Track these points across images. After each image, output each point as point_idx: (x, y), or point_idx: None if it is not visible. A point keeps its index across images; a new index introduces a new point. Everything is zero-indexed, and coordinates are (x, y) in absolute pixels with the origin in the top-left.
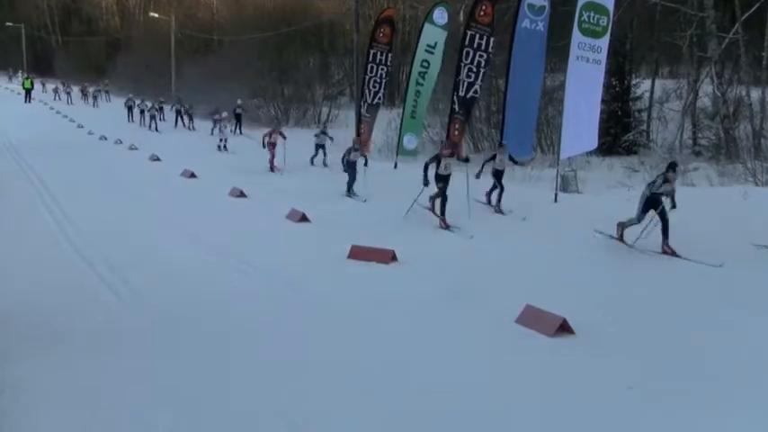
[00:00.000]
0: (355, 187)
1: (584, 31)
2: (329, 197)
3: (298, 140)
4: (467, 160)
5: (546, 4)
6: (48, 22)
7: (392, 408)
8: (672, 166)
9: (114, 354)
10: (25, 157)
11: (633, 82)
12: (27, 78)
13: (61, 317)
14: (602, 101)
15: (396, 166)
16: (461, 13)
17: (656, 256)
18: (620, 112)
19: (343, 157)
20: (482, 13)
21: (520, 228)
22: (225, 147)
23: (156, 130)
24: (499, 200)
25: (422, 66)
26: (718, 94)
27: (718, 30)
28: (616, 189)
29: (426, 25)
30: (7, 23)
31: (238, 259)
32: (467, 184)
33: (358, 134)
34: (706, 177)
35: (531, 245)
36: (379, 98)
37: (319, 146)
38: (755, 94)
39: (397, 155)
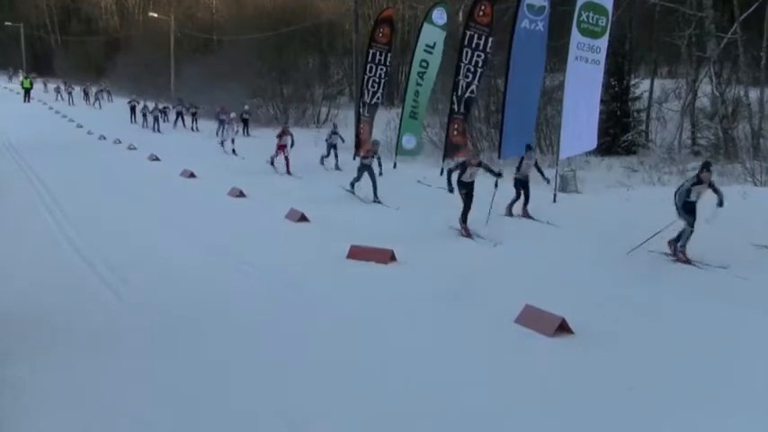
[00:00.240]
0: (364, 190)
1: (584, 32)
2: (347, 202)
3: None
4: (499, 175)
5: (546, 4)
6: (47, 21)
7: (392, 408)
8: (706, 166)
9: (114, 353)
10: (24, 157)
11: (632, 82)
12: (26, 78)
13: (61, 316)
14: (602, 101)
15: (395, 166)
16: (460, 14)
17: (654, 255)
18: (619, 112)
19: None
20: (481, 13)
21: (518, 228)
22: (233, 150)
23: (159, 131)
24: (525, 206)
25: (421, 66)
26: (717, 94)
27: (716, 30)
28: (615, 189)
29: (425, 25)
30: (6, 23)
31: (238, 259)
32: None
33: (357, 134)
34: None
35: (529, 245)
36: (378, 98)
37: (331, 146)
38: (754, 94)
39: (396, 155)
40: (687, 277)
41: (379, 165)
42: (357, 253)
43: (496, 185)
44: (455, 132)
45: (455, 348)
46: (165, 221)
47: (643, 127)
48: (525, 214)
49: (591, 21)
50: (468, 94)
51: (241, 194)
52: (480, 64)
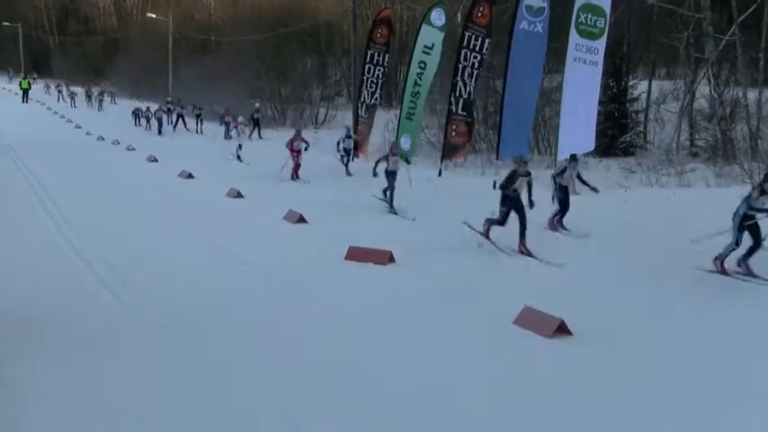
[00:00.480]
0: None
1: (582, 33)
2: (370, 212)
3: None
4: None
5: (545, 5)
6: (45, 21)
7: (392, 408)
8: None
9: (114, 353)
10: (22, 158)
11: (630, 83)
12: (24, 78)
13: (60, 317)
14: (600, 102)
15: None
16: (459, 15)
17: (653, 256)
18: (617, 114)
19: (376, 163)
20: (480, 14)
21: (515, 228)
22: (239, 157)
23: (161, 133)
24: (561, 218)
25: (419, 67)
26: (715, 95)
27: (714, 31)
28: (613, 190)
29: (423, 26)
30: (4, 23)
31: (238, 259)
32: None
33: (355, 133)
34: (703, 178)
35: (527, 245)
36: (376, 99)
37: (347, 150)
38: (752, 95)
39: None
40: (685, 277)
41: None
42: (355, 254)
43: (532, 205)
44: (453, 133)
45: (454, 349)
46: (165, 222)
47: (641, 128)
48: (559, 226)
49: (589, 22)
50: (467, 96)
51: (239, 195)
52: (477, 65)
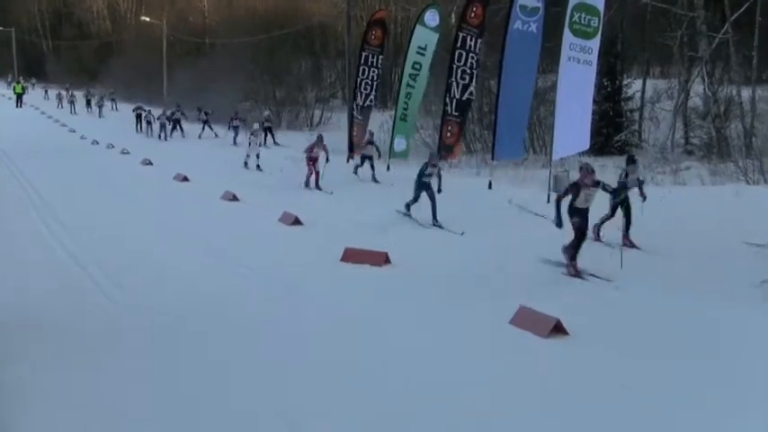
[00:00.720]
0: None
1: (576, 32)
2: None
3: (291, 143)
4: (643, 196)
5: (539, 5)
6: (38, 26)
7: (391, 407)
8: None
9: (112, 354)
10: (16, 162)
11: (624, 82)
12: (18, 83)
13: (58, 319)
14: (594, 101)
15: (388, 169)
16: (453, 15)
17: (648, 254)
18: (611, 113)
19: (419, 176)
20: (473, 14)
21: (513, 227)
22: (258, 166)
23: (166, 138)
24: (627, 229)
25: (413, 68)
26: (709, 93)
27: (708, 30)
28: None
29: (418, 27)
30: None
31: (235, 262)
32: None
33: (350, 136)
34: (698, 176)
35: (523, 244)
36: (371, 100)
37: (366, 157)
38: (746, 93)
39: (389, 157)
40: (682, 276)
41: (439, 180)
42: (351, 255)
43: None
44: (448, 134)
45: (451, 349)
46: (161, 225)
47: (636, 127)
48: (627, 241)
49: (583, 21)
50: (465, 96)
51: (234, 198)
52: (474, 66)
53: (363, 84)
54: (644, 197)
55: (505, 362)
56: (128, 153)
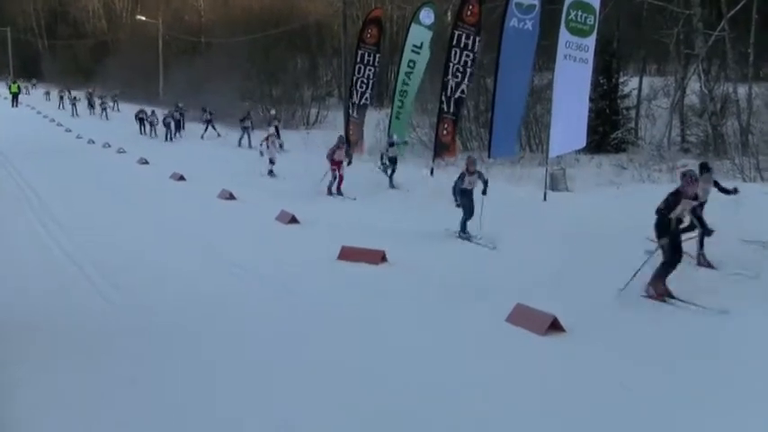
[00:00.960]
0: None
1: (572, 30)
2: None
3: (290, 142)
4: (735, 192)
5: (535, 2)
6: (34, 25)
7: (391, 407)
8: None
9: (111, 355)
10: (14, 162)
11: (621, 80)
12: (14, 83)
13: (54, 320)
14: (590, 99)
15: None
16: (449, 13)
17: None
18: (608, 110)
19: (455, 185)
20: (469, 12)
21: (510, 226)
22: (271, 171)
23: (171, 139)
24: (701, 244)
25: (408, 66)
26: (706, 91)
27: (704, 27)
28: (605, 187)
29: (413, 25)
30: None
31: (231, 262)
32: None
33: (347, 135)
34: None
35: (521, 243)
36: (367, 99)
37: (391, 159)
38: (742, 90)
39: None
40: (679, 274)
41: (485, 186)
42: (348, 254)
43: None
44: (444, 132)
45: (447, 348)
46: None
47: (632, 125)
48: (702, 260)
49: (579, 19)
50: (459, 94)
51: (231, 197)
52: (469, 64)
53: (359, 82)
54: (734, 191)
55: (502, 360)
56: (123, 152)
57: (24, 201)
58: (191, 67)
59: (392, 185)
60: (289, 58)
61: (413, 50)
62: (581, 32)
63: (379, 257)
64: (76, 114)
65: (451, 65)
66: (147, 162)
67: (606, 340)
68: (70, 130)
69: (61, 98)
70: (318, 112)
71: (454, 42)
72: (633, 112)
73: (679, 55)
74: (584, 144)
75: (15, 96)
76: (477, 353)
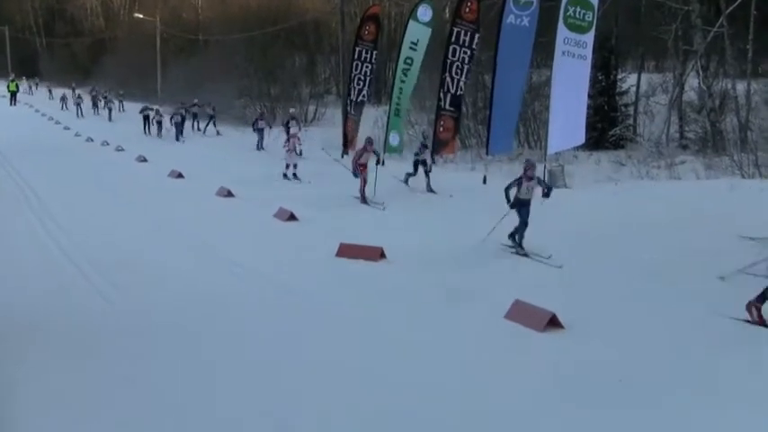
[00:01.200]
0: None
1: (570, 27)
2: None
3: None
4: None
5: None
6: (32, 23)
7: (388, 406)
8: None
9: (109, 355)
10: (12, 161)
11: (619, 76)
12: (12, 81)
13: (52, 320)
14: (589, 96)
15: (383, 164)
16: (447, 10)
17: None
18: (606, 107)
19: (508, 187)
20: (467, 9)
21: (507, 223)
22: (294, 175)
23: (179, 139)
24: None
25: (405, 63)
26: (704, 87)
27: (703, 23)
28: (604, 183)
29: (411, 22)
30: None
31: (230, 260)
32: None
33: (344, 132)
34: (693, 170)
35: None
36: (364, 96)
37: (420, 162)
38: (741, 86)
39: (384, 152)
40: (678, 271)
41: (547, 189)
42: (346, 251)
43: None
44: (441, 129)
45: (446, 345)
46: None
47: (631, 121)
48: None
49: (577, 16)
50: (458, 91)
51: (229, 194)
52: (467, 60)
53: (357, 79)
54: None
55: (501, 357)
56: (121, 150)
57: (23, 201)
58: (189, 65)
59: (430, 189)
60: (286, 56)
61: (410, 47)
62: (579, 29)
63: (377, 254)
64: (81, 115)
65: (449, 62)
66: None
67: (605, 337)
68: (69, 128)
69: (63, 98)
70: (316, 110)
71: (453, 39)
72: (632, 109)
73: (677, 51)
74: (583, 141)
75: (14, 95)
76: (476, 350)
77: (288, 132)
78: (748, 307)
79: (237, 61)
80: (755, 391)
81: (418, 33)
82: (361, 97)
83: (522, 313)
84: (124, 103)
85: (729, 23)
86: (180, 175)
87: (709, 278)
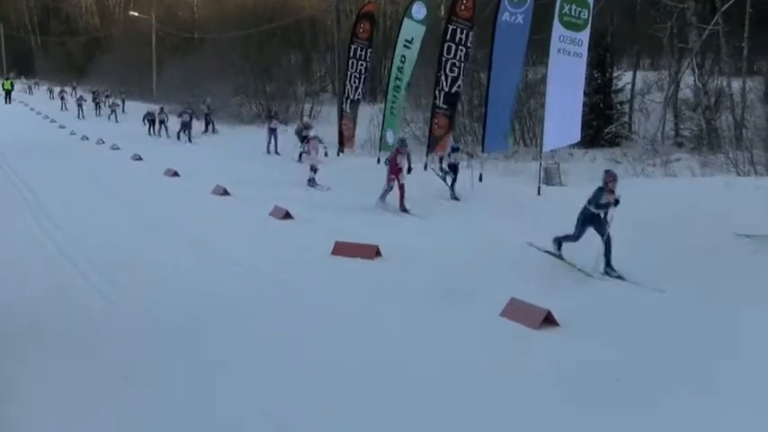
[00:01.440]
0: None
1: (566, 24)
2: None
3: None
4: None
5: None
6: (27, 21)
7: (386, 404)
8: None
9: (108, 355)
10: (8, 160)
11: (615, 74)
12: (7, 79)
13: (50, 319)
14: (584, 93)
15: (379, 161)
16: (442, 7)
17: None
18: (601, 105)
19: (591, 202)
20: (463, 7)
21: (505, 220)
22: (313, 180)
23: (189, 140)
24: None
25: (400, 61)
26: (700, 85)
27: (698, 21)
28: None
29: (405, 20)
30: None
31: (227, 258)
32: None
33: (340, 132)
34: (688, 168)
35: (515, 238)
36: (360, 94)
37: (453, 166)
38: (736, 84)
39: (380, 150)
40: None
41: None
42: (342, 249)
43: None
44: (436, 126)
45: (441, 343)
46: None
47: (626, 119)
48: None
49: (573, 13)
50: (454, 89)
51: (225, 192)
52: (462, 58)
53: (352, 77)
54: None
55: (497, 355)
56: (116, 149)
57: (22, 201)
58: (184, 63)
59: (454, 196)
60: (282, 54)
61: (405, 45)
62: (575, 26)
63: (373, 252)
64: (83, 116)
65: (445, 59)
66: (140, 158)
67: (601, 334)
68: (64, 127)
69: (63, 98)
70: (312, 108)
71: (448, 37)
72: (627, 107)
73: (673, 49)
74: (579, 138)
75: (8, 93)
76: (472, 348)
77: (302, 140)
78: None
79: (233, 59)
80: (756, 391)
81: (413, 31)
82: (356, 95)
83: (517, 311)
84: (125, 102)
85: (725, 21)
86: (176, 174)
87: (704, 276)
